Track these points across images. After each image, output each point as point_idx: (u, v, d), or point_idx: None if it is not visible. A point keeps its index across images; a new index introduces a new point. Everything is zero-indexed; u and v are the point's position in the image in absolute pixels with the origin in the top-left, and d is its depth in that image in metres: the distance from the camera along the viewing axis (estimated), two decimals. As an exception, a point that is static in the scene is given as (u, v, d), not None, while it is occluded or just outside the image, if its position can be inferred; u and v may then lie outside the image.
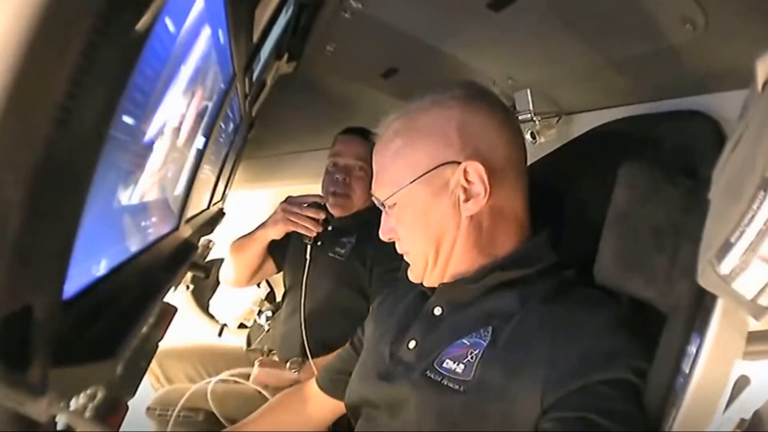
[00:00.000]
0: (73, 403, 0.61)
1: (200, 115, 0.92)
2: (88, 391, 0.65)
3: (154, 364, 1.91)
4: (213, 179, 1.54)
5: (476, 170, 0.82)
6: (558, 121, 1.29)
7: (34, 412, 0.36)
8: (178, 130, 0.79)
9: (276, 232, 1.62)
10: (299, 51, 1.68)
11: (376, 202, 0.93)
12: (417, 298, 0.97)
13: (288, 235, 1.70)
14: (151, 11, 0.42)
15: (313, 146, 2.34)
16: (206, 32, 0.73)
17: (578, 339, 0.73)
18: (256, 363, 1.70)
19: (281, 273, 1.91)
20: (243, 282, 1.84)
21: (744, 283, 0.48)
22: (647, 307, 0.76)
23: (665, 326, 0.70)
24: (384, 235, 0.93)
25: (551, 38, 1.01)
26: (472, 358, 0.78)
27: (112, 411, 0.73)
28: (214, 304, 2.21)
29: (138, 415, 1.71)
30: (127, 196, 0.64)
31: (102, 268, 0.60)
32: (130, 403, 0.80)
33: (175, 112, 0.73)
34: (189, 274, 1.68)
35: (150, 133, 0.63)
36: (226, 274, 1.83)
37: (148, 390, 1.99)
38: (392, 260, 0.94)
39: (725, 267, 0.50)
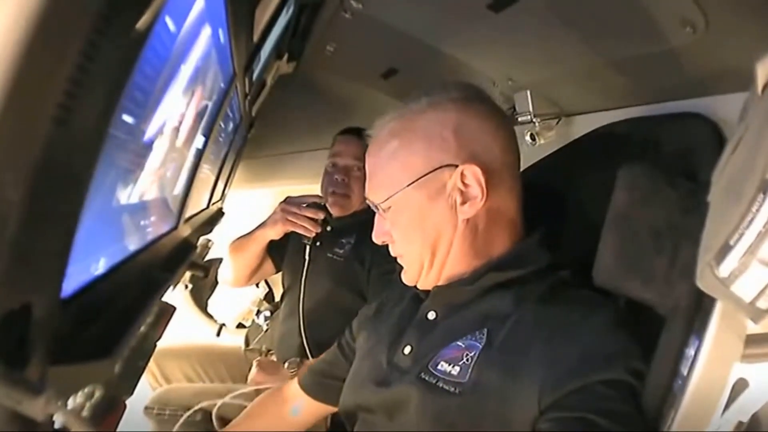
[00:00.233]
0: (71, 402, 0.61)
1: (200, 115, 0.92)
2: (86, 390, 0.65)
3: (152, 364, 1.91)
4: (212, 179, 1.54)
5: (473, 173, 0.81)
6: (558, 122, 1.29)
7: (31, 411, 0.36)
8: (177, 129, 0.79)
9: (275, 232, 1.62)
10: (299, 51, 1.68)
11: (370, 204, 0.92)
12: (411, 303, 0.97)
13: (287, 236, 1.70)
14: (151, 10, 0.42)
15: (313, 146, 2.35)
16: (206, 32, 0.73)
17: (575, 339, 0.73)
18: (254, 363, 1.70)
19: (280, 273, 1.91)
20: (242, 282, 1.84)
21: (743, 285, 0.48)
22: (646, 309, 0.76)
23: (664, 328, 0.70)
24: (377, 239, 0.92)
25: (551, 39, 1.01)
26: (467, 360, 0.78)
27: (109, 410, 0.73)
28: (213, 304, 2.21)
29: (136, 414, 1.71)
30: (126, 195, 0.64)
31: (101, 267, 0.60)
32: (127, 402, 0.80)
33: (175, 111, 0.73)
34: (188, 274, 1.68)
35: (150, 132, 0.63)
36: (224, 274, 1.83)
37: (146, 389, 1.99)
38: (391, 261, 0.94)
39: (724, 269, 0.50)
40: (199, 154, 1.05)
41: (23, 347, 0.38)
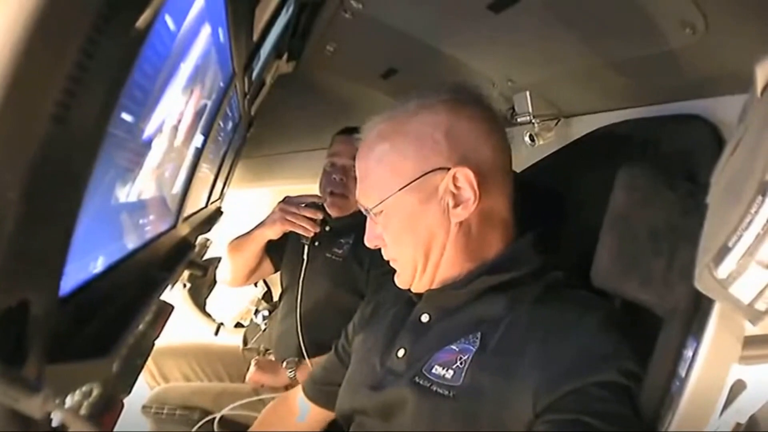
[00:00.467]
0: (69, 401, 0.61)
1: (199, 114, 0.92)
2: (84, 389, 0.65)
3: (150, 362, 1.91)
4: (211, 178, 1.54)
5: (465, 176, 0.81)
6: (557, 123, 1.30)
7: (29, 409, 0.36)
8: (176, 128, 0.79)
9: (273, 232, 1.62)
10: (299, 50, 1.68)
11: (361, 208, 0.91)
12: (404, 306, 0.97)
13: (285, 235, 1.69)
14: (151, 9, 0.42)
15: (312, 146, 2.35)
16: (206, 30, 0.73)
17: (568, 341, 0.73)
18: (252, 362, 1.70)
19: (278, 273, 1.91)
20: (240, 282, 1.84)
21: (741, 287, 0.48)
22: (644, 310, 0.76)
23: (662, 329, 0.70)
24: (370, 243, 0.92)
25: (551, 40, 1.01)
26: (461, 363, 0.78)
27: (107, 408, 0.73)
28: (211, 303, 2.21)
29: (133, 413, 1.71)
30: (125, 194, 0.64)
31: (99, 266, 0.60)
32: (125, 400, 0.80)
33: (174, 110, 0.73)
34: (186, 273, 1.68)
35: (149, 130, 0.63)
36: (223, 273, 1.83)
37: (144, 388, 1.99)
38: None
39: (722, 271, 0.50)
40: (198, 153, 1.05)
41: (21, 345, 0.38)
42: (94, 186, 0.45)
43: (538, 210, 0.94)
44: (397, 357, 0.88)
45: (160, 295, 0.92)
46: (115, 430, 0.77)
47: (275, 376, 1.64)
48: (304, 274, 1.66)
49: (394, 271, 0.92)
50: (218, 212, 1.94)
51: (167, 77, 0.61)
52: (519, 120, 1.30)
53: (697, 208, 0.59)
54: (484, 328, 0.80)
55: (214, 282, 1.98)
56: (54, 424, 0.41)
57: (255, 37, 1.07)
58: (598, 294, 0.83)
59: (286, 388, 1.62)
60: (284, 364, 1.63)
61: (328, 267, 1.69)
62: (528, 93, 1.26)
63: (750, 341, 0.61)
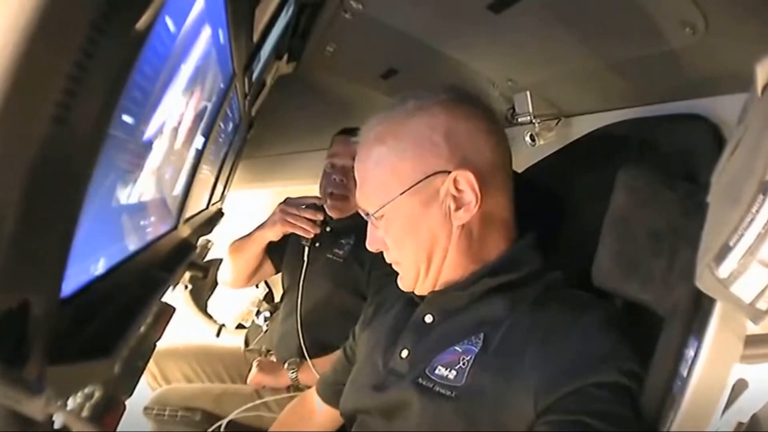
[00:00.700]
0: (71, 402, 0.61)
1: (199, 115, 0.92)
2: (86, 390, 0.65)
3: (151, 364, 1.90)
4: (212, 179, 1.54)
5: (467, 179, 0.80)
6: (557, 123, 1.30)
7: (31, 411, 0.36)
8: (177, 129, 0.79)
9: (274, 234, 1.62)
10: (299, 51, 1.68)
11: (361, 213, 0.91)
12: (407, 306, 0.97)
13: (286, 237, 1.70)
14: (151, 10, 0.42)
15: (313, 146, 2.34)
16: (206, 32, 0.73)
17: (568, 342, 0.73)
18: (254, 363, 1.70)
19: (280, 274, 1.91)
20: (241, 283, 1.84)
21: (742, 286, 0.48)
22: (645, 310, 0.76)
23: (663, 329, 0.70)
24: (371, 246, 0.91)
25: (551, 40, 1.01)
26: (463, 364, 0.78)
27: (109, 410, 0.73)
28: (213, 304, 2.21)
29: (135, 414, 1.71)
30: (125, 195, 0.64)
31: (100, 267, 0.60)
32: (127, 402, 0.80)
33: (175, 111, 0.73)
34: (187, 274, 1.68)
35: (149, 132, 0.63)
36: (224, 275, 1.83)
37: (146, 389, 1.99)
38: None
39: (724, 270, 0.50)
40: (199, 155, 1.05)
41: (22, 346, 0.38)
42: (94, 187, 0.45)
43: (538, 210, 0.94)
44: (401, 358, 0.88)
45: (162, 296, 0.92)
46: (116, 431, 0.77)
47: (277, 377, 1.64)
48: (305, 275, 1.66)
49: (396, 272, 0.92)
50: (219, 213, 1.94)
51: (168, 78, 0.62)
52: (519, 120, 1.30)
53: (697, 208, 0.59)
54: (487, 329, 0.80)
55: (216, 283, 1.97)
56: (56, 425, 0.41)
57: (255, 38, 1.07)
58: (599, 294, 0.83)
59: (288, 389, 1.62)
60: (286, 365, 1.63)
61: (329, 268, 1.69)
62: (528, 93, 1.26)
63: (751, 340, 0.61)
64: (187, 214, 1.16)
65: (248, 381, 1.67)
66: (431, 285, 0.88)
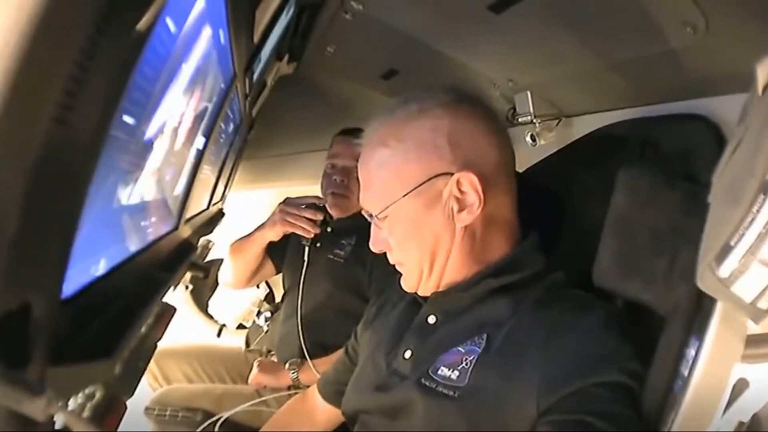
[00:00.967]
0: (72, 403, 0.61)
1: (200, 115, 0.92)
2: (87, 391, 0.65)
3: (152, 364, 1.91)
4: (213, 179, 1.54)
5: (470, 181, 0.80)
6: (558, 123, 1.29)
7: (32, 411, 0.36)
8: (177, 130, 0.79)
9: (274, 234, 1.62)
10: (300, 52, 1.68)
11: (365, 214, 0.91)
12: (410, 307, 0.97)
13: (287, 237, 1.70)
14: (151, 11, 0.42)
15: (314, 147, 2.34)
16: (207, 32, 0.73)
17: (570, 342, 0.74)
18: (255, 364, 1.70)
19: (281, 274, 1.91)
20: (242, 283, 1.84)
21: (743, 286, 0.49)
22: (646, 310, 0.76)
23: (664, 329, 0.71)
24: (375, 247, 0.91)
25: (552, 40, 1.01)
26: (466, 364, 0.78)
27: (110, 410, 0.73)
28: (214, 305, 2.21)
29: (136, 414, 1.71)
30: (126, 196, 0.64)
31: (101, 268, 0.60)
32: (128, 402, 0.80)
33: (176, 111, 0.73)
34: (188, 274, 1.68)
35: (150, 132, 0.63)
36: (225, 275, 1.83)
37: (147, 390, 1.99)
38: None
39: (725, 270, 0.50)
40: (200, 155, 1.05)
41: (23, 347, 0.38)
42: (95, 188, 0.45)
43: (539, 210, 0.94)
44: (404, 358, 0.88)
45: (162, 296, 0.92)
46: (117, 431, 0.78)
47: (277, 377, 1.64)
48: (305, 275, 1.66)
49: (398, 272, 0.92)
50: (220, 214, 1.94)
51: (168, 79, 0.62)
52: (520, 120, 1.30)
53: (698, 207, 0.59)
54: (490, 330, 0.80)
55: (216, 284, 1.97)
56: (57, 426, 0.41)
57: (256, 38, 1.07)
58: (600, 294, 0.83)
59: (289, 389, 1.62)
60: (287, 365, 1.63)
61: (330, 268, 1.69)
62: (529, 93, 1.26)
63: (752, 340, 0.61)
64: (188, 214, 1.16)
65: (249, 381, 1.68)
66: (434, 286, 0.88)
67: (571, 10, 0.89)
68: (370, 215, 0.89)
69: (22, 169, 0.32)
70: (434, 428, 0.77)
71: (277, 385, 1.64)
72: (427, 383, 0.80)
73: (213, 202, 1.70)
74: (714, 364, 0.61)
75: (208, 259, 1.98)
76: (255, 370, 1.67)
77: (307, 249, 1.65)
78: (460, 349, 0.81)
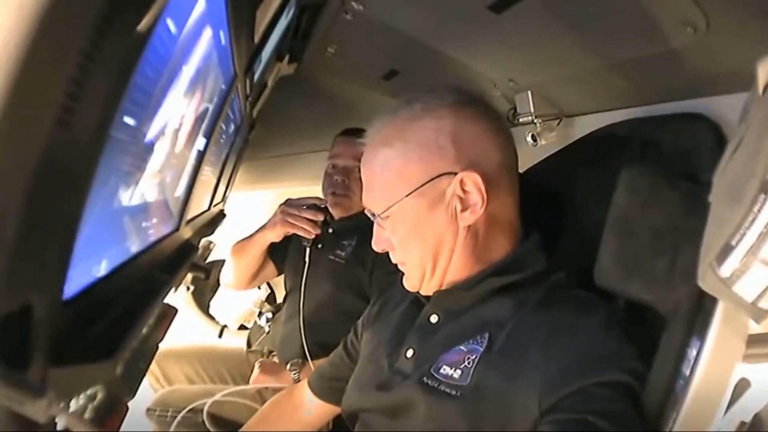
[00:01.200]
0: (73, 404, 0.61)
1: (201, 116, 0.92)
2: (88, 392, 0.65)
3: (154, 365, 1.91)
4: (214, 180, 1.55)
5: (473, 180, 0.81)
6: (559, 123, 1.29)
7: (33, 413, 0.36)
8: (178, 131, 0.79)
9: (275, 235, 1.62)
10: (300, 52, 1.68)
11: (368, 214, 0.91)
12: (412, 306, 0.97)
13: (288, 238, 1.70)
14: (152, 12, 0.42)
15: (314, 147, 2.35)
16: (207, 33, 0.73)
17: (572, 341, 0.74)
18: (256, 364, 1.70)
19: (283, 275, 1.91)
20: (243, 285, 1.84)
21: (744, 286, 0.48)
22: (648, 310, 0.76)
23: (665, 329, 0.70)
24: (377, 246, 0.91)
25: (552, 40, 1.01)
26: (468, 363, 0.78)
27: (111, 412, 0.73)
28: (215, 306, 2.21)
29: (137, 416, 1.71)
30: (127, 197, 0.64)
31: (102, 269, 0.60)
32: (129, 403, 0.80)
33: (177, 113, 0.73)
34: (189, 275, 1.68)
35: (151, 133, 0.63)
36: (226, 276, 1.83)
37: (148, 391, 1.99)
38: (393, 263, 0.93)
39: (726, 270, 0.50)
40: (200, 156, 1.05)
41: (24, 349, 0.38)
42: (96, 189, 0.45)
43: (540, 210, 0.94)
44: (406, 357, 0.88)
45: (164, 298, 0.92)
46: (119, 432, 0.78)
47: (279, 378, 1.64)
48: (306, 276, 1.66)
49: (399, 271, 0.92)
50: (221, 215, 1.94)
51: (169, 80, 0.62)
52: (521, 120, 1.30)
53: (699, 207, 0.59)
54: (492, 329, 0.80)
55: (218, 284, 1.98)
56: (58, 427, 0.41)
57: (256, 39, 1.07)
58: (601, 294, 0.83)
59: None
60: (288, 366, 1.63)
61: (332, 269, 1.69)
62: (530, 93, 1.26)
63: (754, 340, 0.61)
64: (189, 215, 1.16)
65: (250, 382, 1.68)
66: (437, 285, 0.89)
67: (571, 10, 0.89)
68: (373, 215, 0.89)
69: (24, 170, 0.32)
70: (436, 427, 0.77)
71: (278, 385, 1.64)
72: (429, 382, 0.80)
73: (214, 203, 1.70)
74: (715, 364, 0.61)
75: (209, 260, 1.99)
76: (256, 370, 1.67)
77: (308, 250, 1.65)
78: (462, 348, 0.81)
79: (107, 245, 0.61)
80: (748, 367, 0.62)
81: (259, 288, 2.20)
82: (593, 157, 1.06)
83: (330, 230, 1.74)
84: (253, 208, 2.62)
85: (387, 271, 1.52)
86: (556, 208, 1.03)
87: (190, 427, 1.64)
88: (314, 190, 1.84)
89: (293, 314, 1.71)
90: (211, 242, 1.93)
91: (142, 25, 0.42)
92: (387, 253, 0.92)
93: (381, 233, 0.90)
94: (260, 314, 2.16)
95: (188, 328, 2.36)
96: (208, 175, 1.34)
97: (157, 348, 0.99)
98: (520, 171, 0.93)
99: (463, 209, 0.82)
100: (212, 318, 2.34)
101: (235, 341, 2.21)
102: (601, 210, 0.83)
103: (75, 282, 0.51)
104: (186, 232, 1.20)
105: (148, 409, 1.79)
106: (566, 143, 1.17)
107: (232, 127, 1.44)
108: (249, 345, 2.16)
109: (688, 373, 0.62)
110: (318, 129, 2.19)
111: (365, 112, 1.92)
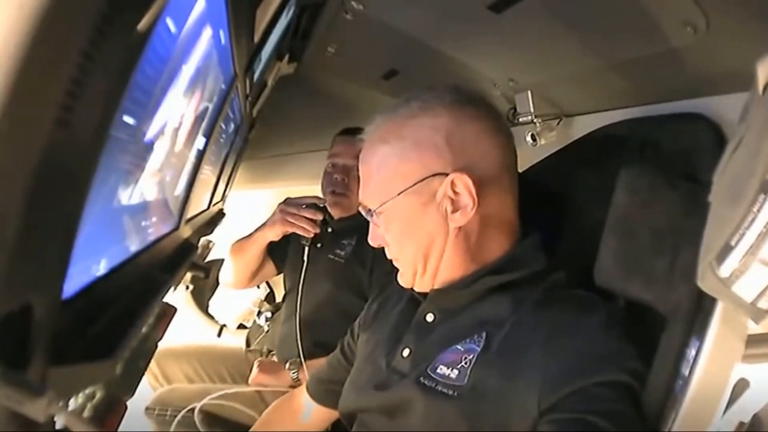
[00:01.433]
0: (72, 403, 0.61)
1: (201, 116, 0.92)
2: (87, 391, 0.65)
3: (153, 364, 1.91)
4: (213, 179, 1.54)
5: (463, 182, 0.80)
6: (559, 123, 1.29)
7: (32, 412, 0.36)
8: (178, 130, 0.79)
9: (274, 234, 1.62)
10: (300, 52, 1.68)
11: (362, 210, 0.92)
12: (409, 305, 0.97)
13: (288, 238, 1.70)
14: (152, 11, 0.42)
15: (314, 147, 2.35)
16: (207, 33, 0.73)
17: (571, 341, 0.74)
18: (255, 363, 1.70)
19: (282, 274, 1.91)
20: (242, 284, 1.84)
21: (744, 286, 0.49)
22: (647, 310, 0.76)
23: (665, 329, 0.71)
24: (373, 242, 0.92)
25: (552, 40, 1.01)
26: (466, 363, 0.78)
27: (110, 411, 0.73)
28: (214, 305, 2.21)
29: (136, 414, 1.71)
30: (127, 196, 0.64)
31: (102, 268, 0.60)
32: (128, 402, 0.80)
33: (176, 112, 0.73)
34: (189, 275, 1.68)
35: (151, 133, 0.63)
36: (225, 275, 1.83)
37: (147, 390, 1.99)
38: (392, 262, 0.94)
39: (725, 270, 0.50)
40: (200, 155, 1.05)
41: (24, 348, 0.38)
42: (96, 188, 0.45)
43: (539, 210, 0.94)
44: (402, 356, 0.88)
45: (163, 297, 0.91)
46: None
47: (278, 377, 1.64)
48: (305, 275, 1.66)
49: (398, 270, 0.92)
50: (220, 214, 1.94)
51: (169, 79, 0.62)
52: (521, 120, 1.30)
53: (699, 207, 0.59)
54: (489, 328, 0.80)
55: (217, 284, 1.98)
56: (57, 426, 0.41)
57: (256, 38, 1.07)
58: (601, 294, 0.83)
59: (290, 389, 1.63)
60: (287, 365, 1.63)
61: (331, 268, 1.69)
62: (530, 93, 1.26)
63: (753, 340, 0.61)
64: (189, 214, 1.16)
65: (249, 381, 1.68)
66: (429, 283, 0.89)
67: (571, 10, 0.89)
68: (367, 210, 0.90)
69: (23, 169, 0.32)
70: (433, 428, 0.77)
71: (277, 385, 1.64)
72: (426, 382, 0.80)
73: (213, 202, 1.70)
74: (714, 364, 0.61)
75: (208, 259, 1.99)
76: (255, 370, 1.67)
77: (307, 249, 1.65)
78: (459, 347, 0.80)
79: (107, 244, 0.61)
80: (747, 368, 0.62)
81: (258, 287, 2.20)
82: (593, 157, 1.06)
83: (329, 230, 1.74)
84: (253, 207, 2.62)
85: (386, 270, 1.53)
86: (556, 208, 1.03)
87: (189, 427, 1.64)
88: (314, 189, 1.84)
89: (292, 313, 1.71)
90: (210, 241, 1.93)
91: (142, 25, 0.41)
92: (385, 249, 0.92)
93: (376, 229, 0.91)
94: (259, 313, 2.16)
95: (187, 327, 2.35)
96: (207, 174, 1.33)
97: (156, 347, 0.99)
98: (520, 171, 0.93)
99: (454, 210, 0.82)
100: (211, 317, 2.34)
101: (234, 340, 2.21)
102: (601, 210, 0.83)
103: (74, 281, 0.51)
104: (185, 231, 1.20)
105: (147, 408, 1.79)
106: (566, 143, 1.17)
107: (232, 126, 1.43)
108: (248, 344, 2.16)
109: (687, 373, 0.62)
110: (318, 128, 2.19)
111: (365, 111, 1.91)
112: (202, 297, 2.44)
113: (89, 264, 0.55)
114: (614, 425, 0.64)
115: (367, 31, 1.34)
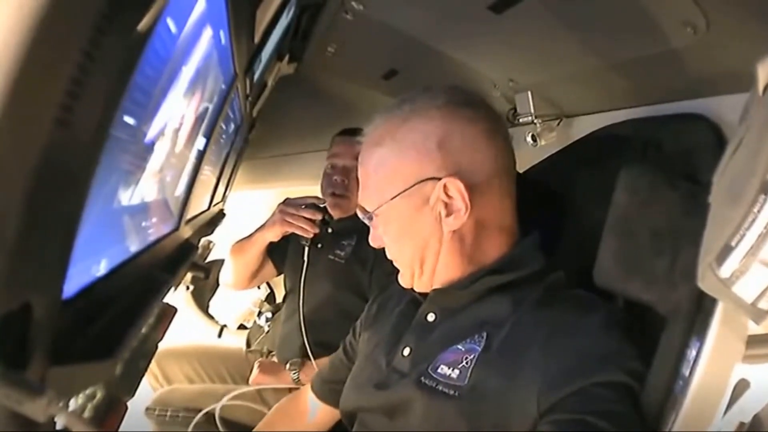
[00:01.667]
0: (73, 403, 0.61)
1: (201, 116, 0.92)
2: (88, 391, 0.65)
3: (153, 365, 1.91)
4: (213, 180, 1.54)
5: (456, 187, 0.80)
6: (559, 123, 1.29)
7: (32, 412, 0.36)
8: (178, 130, 0.79)
9: (273, 234, 1.62)
10: (300, 52, 1.68)
11: (359, 212, 0.92)
12: (410, 305, 0.97)
13: (288, 238, 1.69)
14: (152, 12, 0.42)
15: (314, 147, 2.35)
16: (208, 33, 0.73)
17: (571, 342, 0.74)
18: (256, 364, 1.70)
19: (283, 275, 1.91)
20: (243, 284, 1.84)
21: (744, 286, 0.48)
22: (647, 311, 0.76)
23: (665, 329, 0.70)
24: (374, 242, 0.92)
25: (552, 40, 1.01)
26: (466, 363, 0.78)
27: (111, 411, 0.73)
28: (214, 305, 2.21)
29: (137, 415, 1.71)
30: (127, 197, 0.64)
31: (102, 268, 0.60)
32: (129, 403, 0.80)
33: (177, 112, 0.73)
34: (189, 275, 1.68)
35: (151, 133, 0.63)
36: (225, 276, 1.83)
37: (147, 390, 1.99)
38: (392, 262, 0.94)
39: (725, 270, 0.50)
40: (200, 156, 1.05)
41: (24, 348, 0.38)
42: (96, 188, 0.45)
43: (539, 210, 0.94)
44: (403, 356, 0.88)
45: (163, 297, 0.92)
46: (118, 432, 0.78)
47: (278, 377, 1.64)
48: (305, 276, 1.66)
49: (398, 271, 0.93)
50: (221, 214, 1.94)
51: (169, 80, 0.62)
52: (521, 120, 1.30)
53: (699, 208, 0.59)
54: (489, 329, 0.80)
55: (217, 284, 1.98)
56: (58, 426, 0.41)
57: (256, 39, 1.07)
58: (601, 294, 0.83)
59: (290, 390, 1.62)
60: (287, 365, 1.63)
61: (331, 269, 1.69)
62: (530, 93, 1.26)
63: (753, 340, 0.61)
64: (189, 215, 1.16)
65: (250, 382, 1.68)
66: (428, 283, 0.89)
67: (571, 10, 0.89)
68: (364, 212, 0.90)
69: (24, 169, 0.32)
70: (434, 428, 0.77)
71: (277, 385, 1.64)
72: (426, 382, 0.80)
73: (214, 202, 1.70)
74: (715, 365, 0.61)
75: (208, 259, 1.99)
76: (256, 370, 1.67)
77: (306, 249, 1.65)
78: (460, 347, 0.80)
79: (107, 245, 0.61)
80: (747, 368, 0.62)
81: (258, 288, 2.20)
82: (593, 157, 1.06)
83: (329, 230, 1.74)
84: (253, 207, 2.62)
85: (386, 271, 1.53)
86: (556, 208, 1.03)
87: (189, 427, 1.64)
88: (314, 189, 1.84)
89: (292, 314, 1.71)
90: (210, 242, 1.93)
91: (142, 25, 0.41)
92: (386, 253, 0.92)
93: (375, 230, 0.91)
94: (259, 314, 2.16)
95: (188, 328, 2.35)
96: (207, 174, 1.33)
97: (157, 347, 0.99)
98: (520, 171, 0.93)
99: (448, 214, 0.82)
100: (212, 317, 2.34)
101: (235, 341, 2.21)
102: (601, 210, 0.83)
103: (74, 281, 0.51)
104: (186, 232, 1.20)
105: (148, 409, 1.79)
106: (566, 143, 1.17)
107: (232, 126, 1.43)
108: (248, 345, 2.16)
109: (687, 373, 0.62)
110: (318, 129, 2.19)
111: (365, 111, 1.91)
112: (202, 297, 2.44)
113: (89, 264, 0.55)
114: (614, 426, 0.64)
115: (367, 31, 1.34)
